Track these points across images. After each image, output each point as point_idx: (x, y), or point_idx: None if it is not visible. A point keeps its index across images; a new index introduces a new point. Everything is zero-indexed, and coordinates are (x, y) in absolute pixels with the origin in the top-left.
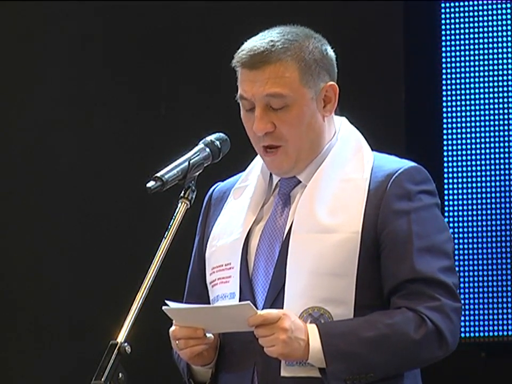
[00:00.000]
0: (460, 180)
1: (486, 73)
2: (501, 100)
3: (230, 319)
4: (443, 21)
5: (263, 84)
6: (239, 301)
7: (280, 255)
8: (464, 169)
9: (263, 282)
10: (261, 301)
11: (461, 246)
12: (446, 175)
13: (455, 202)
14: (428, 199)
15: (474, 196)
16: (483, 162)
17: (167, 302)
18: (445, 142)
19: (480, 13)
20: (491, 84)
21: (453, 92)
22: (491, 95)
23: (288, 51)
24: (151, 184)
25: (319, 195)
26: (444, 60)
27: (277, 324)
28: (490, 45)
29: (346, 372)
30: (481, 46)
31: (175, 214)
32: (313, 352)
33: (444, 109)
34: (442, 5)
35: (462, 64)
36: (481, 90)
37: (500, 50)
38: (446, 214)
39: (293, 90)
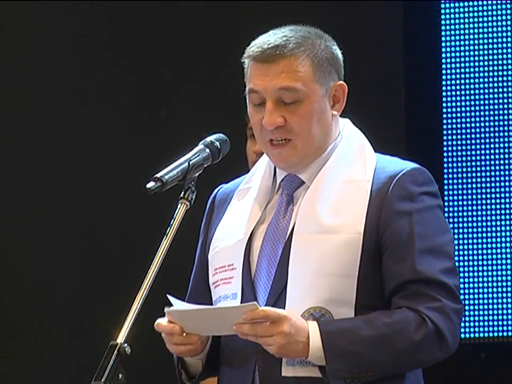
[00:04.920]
0: (460, 181)
1: (486, 74)
2: (501, 100)
3: (234, 320)
4: (443, 21)
5: (276, 77)
6: (241, 301)
7: (282, 256)
8: (464, 170)
9: (265, 283)
10: (262, 301)
11: (460, 247)
12: (446, 176)
13: (455, 203)
14: (430, 200)
15: (474, 196)
16: (483, 162)
17: (168, 296)
18: (445, 143)
19: (480, 13)
20: (491, 84)
21: (453, 92)
22: (491, 96)
23: (302, 46)
24: (151, 184)
25: (321, 196)
26: (443, 60)
27: (277, 327)
28: (490, 45)
29: (345, 371)
30: (481, 46)
31: (174, 215)
32: (313, 349)
33: (444, 109)
34: (442, 5)
35: (462, 64)
36: (481, 91)
37: (500, 50)
38: (446, 214)
39: (306, 85)
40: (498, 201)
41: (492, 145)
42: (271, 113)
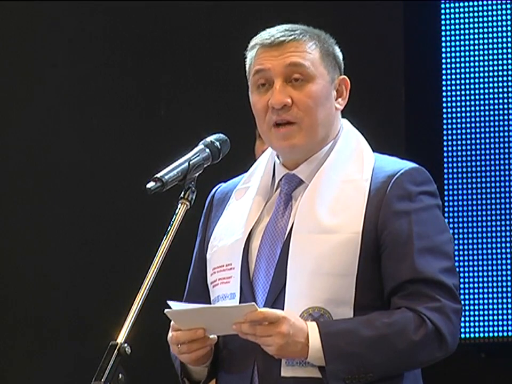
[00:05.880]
0: (459, 181)
1: (486, 74)
2: (501, 100)
3: (233, 320)
4: (443, 21)
5: (285, 56)
6: (240, 301)
7: (281, 256)
8: (464, 169)
9: (263, 282)
10: (261, 301)
11: (460, 247)
12: (446, 176)
13: (455, 203)
14: (428, 200)
15: (474, 196)
16: (483, 162)
17: (169, 302)
18: (445, 143)
19: (480, 13)
20: (491, 84)
21: (453, 92)
22: (491, 95)
23: (309, 34)
24: (151, 185)
25: (320, 196)
26: (444, 60)
27: (276, 327)
28: (490, 45)
29: (345, 372)
30: (481, 47)
31: (175, 215)
32: (313, 351)
33: (444, 109)
34: (442, 5)
35: (462, 64)
36: (481, 91)
37: (500, 50)
38: (446, 214)
39: (314, 66)
40: (498, 201)
41: (492, 145)
42: (279, 91)
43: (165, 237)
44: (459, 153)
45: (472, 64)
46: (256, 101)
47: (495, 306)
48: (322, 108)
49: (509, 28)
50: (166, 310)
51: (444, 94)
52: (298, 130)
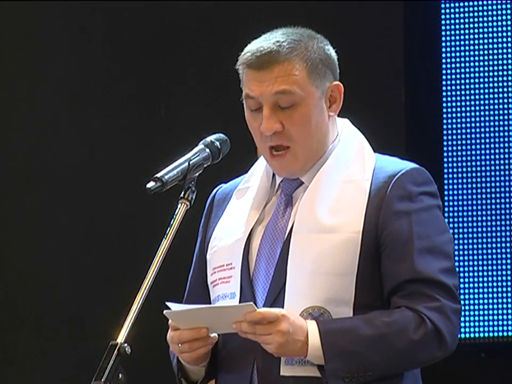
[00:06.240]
0: (460, 181)
1: (486, 74)
2: (501, 100)
3: (231, 320)
4: (443, 21)
5: (272, 83)
6: (240, 300)
7: (281, 255)
8: (464, 169)
9: (263, 282)
10: (261, 300)
11: (460, 247)
12: (446, 176)
13: (455, 203)
14: (429, 200)
15: (474, 196)
16: (483, 163)
17: (167, 304)
18: (445, 143)
19: (480, 13)
20: (491, 84)
21: (453, 92)
22: (491, 96)
23: (295, 51)
24: (151, 184)
25: (320, 196)
26: (444, 60)
27: (275, 326)
28: (490, 45)
29: (344, 370)
30: (481, 46)
31: (175, 215)
32: (312, 349)
33: (444, 109)
34: (442, 5)
35: (462, 64)
36: (481, 91)
37: (500, 50)
38: (446, 214)
39: (302, 88)
40: (498, 201)
41: (492, 145)
42: (268, 118)
43: (164, 237)
44: (459, 153)
45: (472, 64)
46: (250, 122)
47: (495, 306)
48: (315, 125)
49: (509, 28)
50: (164, 311)
51: (444, 94)
52: (293, 156)
